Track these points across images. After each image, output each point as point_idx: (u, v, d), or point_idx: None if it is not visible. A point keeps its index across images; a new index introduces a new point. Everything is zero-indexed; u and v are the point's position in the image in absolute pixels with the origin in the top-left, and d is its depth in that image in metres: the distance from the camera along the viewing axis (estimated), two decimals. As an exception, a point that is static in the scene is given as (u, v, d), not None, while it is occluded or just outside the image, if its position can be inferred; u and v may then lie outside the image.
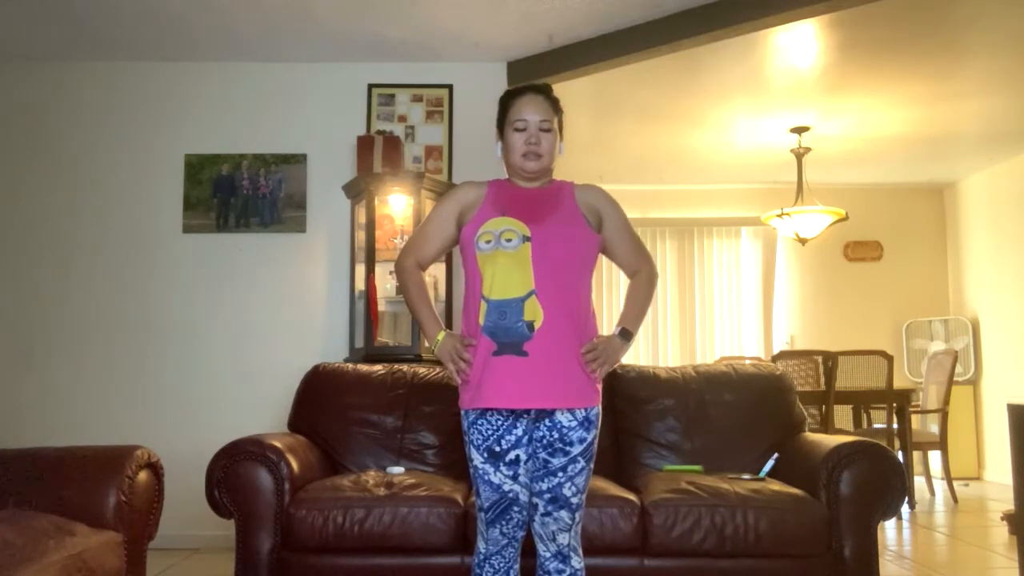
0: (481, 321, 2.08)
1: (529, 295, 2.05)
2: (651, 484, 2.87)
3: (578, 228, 2.14)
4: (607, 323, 7.04)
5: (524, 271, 2.06)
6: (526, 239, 2.08)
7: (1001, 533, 4.56)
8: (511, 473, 2.08)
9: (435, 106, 4.63)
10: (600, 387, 2.16)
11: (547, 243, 2.08)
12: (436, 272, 4.26)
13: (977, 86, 5.10)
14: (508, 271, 2.06)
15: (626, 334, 2.18)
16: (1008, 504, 4.90)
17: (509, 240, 2.08)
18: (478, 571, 2.14)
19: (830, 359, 5.36)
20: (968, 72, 4.90)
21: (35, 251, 4.54)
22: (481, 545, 2.15)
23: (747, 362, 3.93)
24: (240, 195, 4.57)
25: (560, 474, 2.08)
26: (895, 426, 5.48)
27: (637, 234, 2.31)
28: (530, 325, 2.04)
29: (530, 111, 2.16)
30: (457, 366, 2.11)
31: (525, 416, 2.09)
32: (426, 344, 3.97)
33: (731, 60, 4.65)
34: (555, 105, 2.20)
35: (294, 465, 2.80)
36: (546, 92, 2.21)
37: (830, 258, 7.52)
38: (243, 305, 4.52)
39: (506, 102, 2.21)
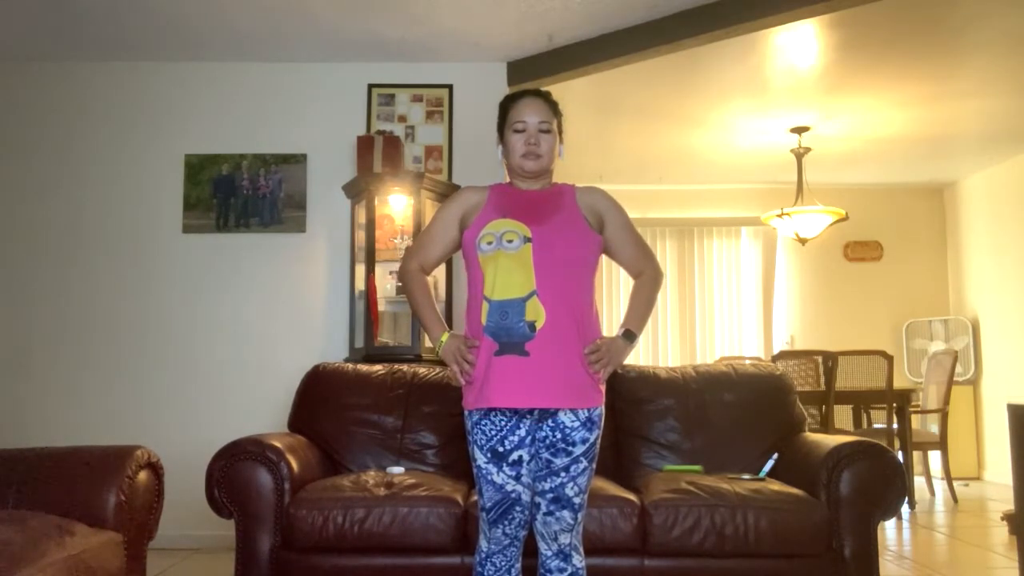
0: (483, 321, 2.09)
1: (530, 295, 2.06)
2: (651, 484, 2.87)
3: (579, 228, 2.15)
4: (607, 324, 7.05)
5: (525, 271, 2.07)
6: (527, 240, 2.09)
7: (1001, 533, 4.56)
8: (514, 474, 2.09)
9: (435, 106, 4.63)
10: (603, 388, 2.16)
11: (548, 243, 2.09)
12: (436, 272, 4.25)
13: (977, 86, 5.10)
14: (509, 272, 2.07)
15: (630, 335, 2.18)
16: (1008, 504, 4.90)
17: (511, 241, 2.09)
18: (480, 569, 2.14)
19: (830, 359, 5.36)
20: (968, 72, 4.90)
21: (35, 251, 4.54)
22: (483, 544, 2.15)
23: (747, 362, 3.93)
24: (240, 195, 4.57)
25: (563, 474, 2.09)
26: (895, 426, 5.48)
27: (640, 235, 2.31)
28: (532, 325, 2.05)
29: (529, 113, 2.18)
30: (461, 367, 2.12)
31: (528, 417, 2.10)
32: (427, 344, 3.99)
33: (731, 60, 4.65)
34: (554, 108, 2.23)
35: (294, 465, 2.80)
36: (545, 95, 2.24)
37: (830, 258, 7.52)
38: (243, 305, 4.52)
39: (506, 106, 2.24)
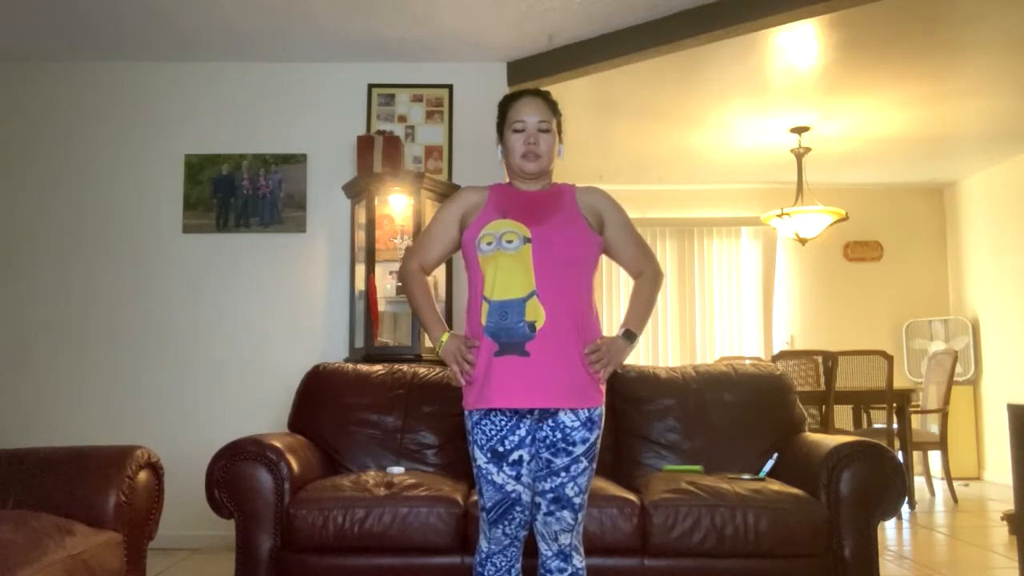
0: (483, 322, 2.08)
1: (530, 296, 2.06)
2: (651, 484, 2.87)
3: (579, 229, 2.15)
4: (608, 323, 7.05)
5: (525, 272, 2.07)
6: (527, 240, 2.09)
7: (1001, 533, 4.56)
8: (514, 473, 2.09)
9: (435, 106, 4.63)
10: (604, 388, 2.16)
11: (548, 244, 2.09)
12: (436, 273, 4.25)
13: (977, 86, 5.10)
14: (509, 272, 2.07)
15: (630, 335, 2.18)
16: (1008, 504, 4.90)
17: (510, 241, 2.09)
18: (480, 569, 2.14)
19: (830, 359, 5.36)
20: (968, 72, 4.90)
21: (35, 251, 4.54)
22: (483, 544, 2.15)
23: (747, 362, 3.93)
24: (240, 195, 4.57)
25: (563, 474, 2.09)
26: (895, 426, 5.48)
27: (640, 235, 2.31)
28: (532, 325, 2.05)
29: (528, 112, 2.18)
30: (461, 367, 2.12)
31: (528, 416, 2.10)
32: (427, 344, 3.99)
33: (731, 60, 4.65)
34: (553, 107, 2.23)
35: (294, 465, 2.81)
36: (544, 95, 2.24)
37: (830, 258, 7.52)
38: (243, 305, 4.52)
39: (505, 105, 2.25)
